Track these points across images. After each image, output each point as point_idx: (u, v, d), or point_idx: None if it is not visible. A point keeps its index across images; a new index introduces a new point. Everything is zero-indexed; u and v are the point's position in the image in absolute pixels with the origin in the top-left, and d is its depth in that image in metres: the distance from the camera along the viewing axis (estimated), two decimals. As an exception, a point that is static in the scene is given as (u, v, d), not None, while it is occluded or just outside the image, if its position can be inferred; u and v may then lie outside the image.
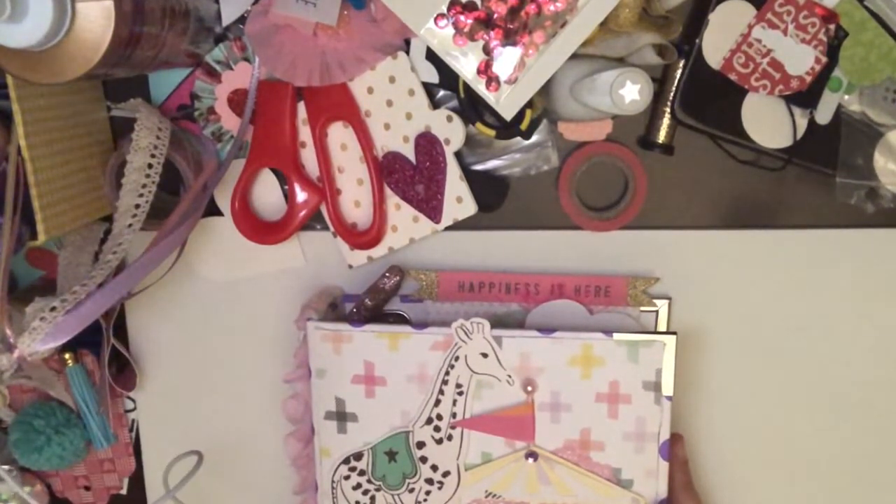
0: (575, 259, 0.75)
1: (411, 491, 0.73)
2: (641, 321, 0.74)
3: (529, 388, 0.70)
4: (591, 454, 0.70)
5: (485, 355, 0.69)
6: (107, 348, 0.74)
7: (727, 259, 0.75)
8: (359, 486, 0.73)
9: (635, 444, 0.69)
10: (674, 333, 0.68)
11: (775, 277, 0.75)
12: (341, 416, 0.72)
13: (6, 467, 0.79)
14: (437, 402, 0.71)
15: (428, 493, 0.72)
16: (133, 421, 0.83)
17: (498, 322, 0.73)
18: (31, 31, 0.55)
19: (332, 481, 0.74)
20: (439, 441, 0.71)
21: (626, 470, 0.70)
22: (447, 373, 0.70)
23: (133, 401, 0.82)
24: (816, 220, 0.73)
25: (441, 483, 0.72)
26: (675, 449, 0.72)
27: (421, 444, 0.72)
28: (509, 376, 0.70)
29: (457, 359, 0.70)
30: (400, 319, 0.76)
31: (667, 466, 0.70)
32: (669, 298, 0.74)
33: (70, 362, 0.76)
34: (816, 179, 0.72)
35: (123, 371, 0.79)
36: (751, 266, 0.75)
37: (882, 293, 0.75)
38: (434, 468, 0.72)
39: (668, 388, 0.68)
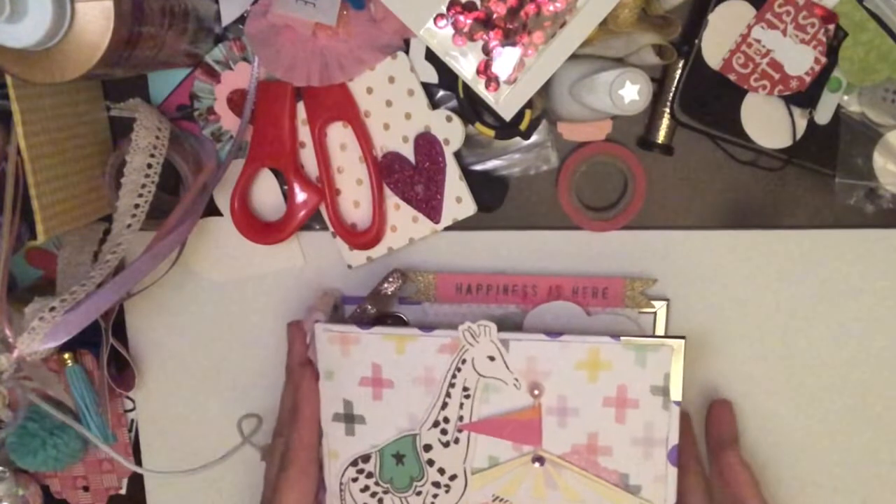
0: (574, 259, 0.75)
1: (418, 494, 0.72)
2: (639, 323, 0.74)
3: (536, 392, 0.68)
4: (598, 459, 0.69)
5: (492, 358, 0.68)
6: (106, 348, 0.74)
7: (726, 259, 0.75)
8: (366, 488, 0.73)
9: (643, 450, 0.68)
10: (682, 338, 0.67)
11: (774, 278, 0.75)
12: (349, 419, 0.72)
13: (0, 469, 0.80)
14: (444, 406, 0.70)
15: (435, 496, 0.72)
16: (132, 421, 0.83)
17: (496, 323, 0.73)
18: (31, 31, 0.55)
19: (340, 483, 0.73)
20: (446, 444, 0.71)
21: (634, 476, 0.69)
22: (454, 376, 0.69)
23: (132, 401, 0.82)
24: (816, 221, 0.73)
25: (448, 486, 0.72)
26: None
27: (428, 447, 0.71)
28: (516, 380, 0.69)
29: (464, 362, 0.69)
30: (398, 321, 0.76)
31: (675, 472, 0.68)
32: (668, 300, 0.74)
33: (69, 362, 0.76)
34: (816, 179, 0.72)
35: (123, 371, 0.79)
36: (750, 266, 0.75)
37: (882, 293, 0.75)
38: (441, 471, 0.71)
39: (676, 394, 0.67)
